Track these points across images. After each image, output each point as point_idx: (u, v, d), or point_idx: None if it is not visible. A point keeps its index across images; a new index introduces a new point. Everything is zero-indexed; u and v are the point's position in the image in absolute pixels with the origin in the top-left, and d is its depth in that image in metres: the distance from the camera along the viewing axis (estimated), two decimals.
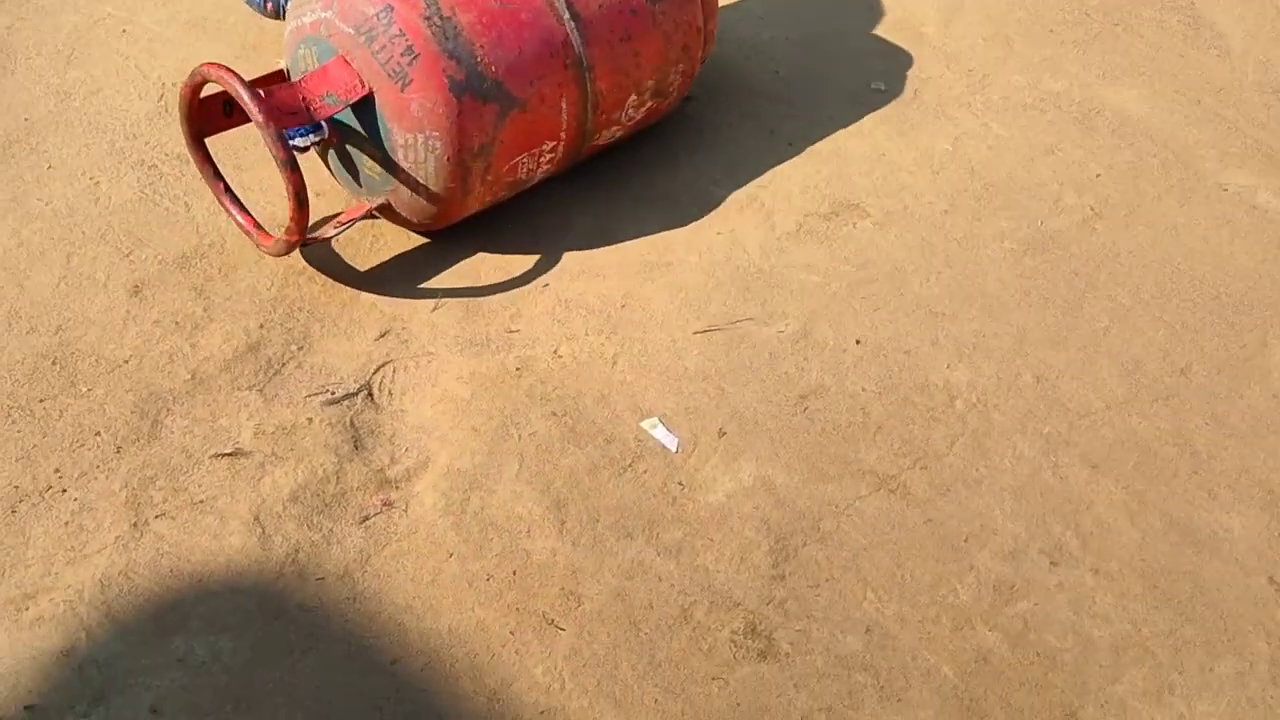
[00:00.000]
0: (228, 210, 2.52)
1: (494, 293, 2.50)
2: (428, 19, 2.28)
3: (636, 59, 2.50)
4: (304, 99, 2.31)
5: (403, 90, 2.28)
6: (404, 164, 2.37)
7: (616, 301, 2.49)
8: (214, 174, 2.51)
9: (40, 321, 2.36)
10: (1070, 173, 2.78)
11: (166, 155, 2.72)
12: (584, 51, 2.42)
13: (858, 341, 2.42)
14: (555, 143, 2.47)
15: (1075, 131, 2.88)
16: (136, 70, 2.91)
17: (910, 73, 3.05)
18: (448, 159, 2.35)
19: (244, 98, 2.21)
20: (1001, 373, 2.36)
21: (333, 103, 2.32)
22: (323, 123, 2.43)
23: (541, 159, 2.49)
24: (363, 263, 2.54)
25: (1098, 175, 2.78)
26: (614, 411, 2.28)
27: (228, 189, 2.52)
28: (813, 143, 2.85)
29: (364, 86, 2.31)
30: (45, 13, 3.04)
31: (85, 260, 2.48)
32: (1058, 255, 2.60)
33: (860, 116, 2.93)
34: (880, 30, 3.17)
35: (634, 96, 2.54)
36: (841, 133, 2.88)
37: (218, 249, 2.53)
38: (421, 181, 2.39)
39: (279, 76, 2.56)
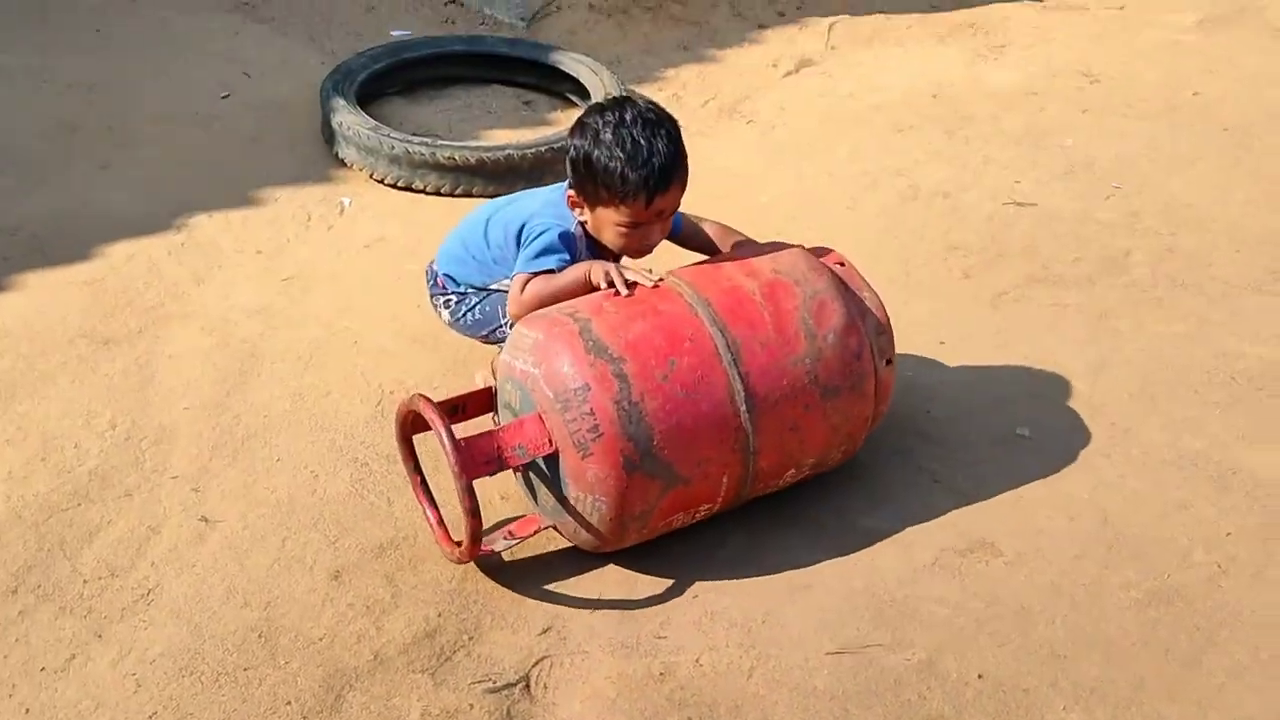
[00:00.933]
0: (420, 502, 2.89)
1: (648, 599, 2.76)
2: (617, 403, 2.60)
3: (801, 444, 2.81)
4: (498, 448, 2.68)
5: (583, 458, 2.62)
6: (572, 510, 2.72)
7: (758, 617, 2.72)
8: (414, 468, 2.91)
9: (253, 597, 2.72)
10: (1201, 529, 2.93)
11: (377, 455, 3.11)
12: (753, 439, 2.72)
13: (980, 676, 2.58)
14: (711, 504, 2.79)
15: (1210, 490, 3.04)
16: (362, 378, 3.35)
17: (1055, 422, 3.26)
18: (610, 518, 2.69)
19: (446, 447, 2.61)
20: None
21: (522, 454, 2.69)
22: None
23: (696, 515, 2.80)
24: (535, 563, 2.85)
25: (1228, 534, 2.92)
26: None
27: (424, 483, 2.90)
28: (957, 482, 3.08)
29: (551, 445, 2.67)
30: (293, 324, 3.53)
31: (297, 545, 2.86)
32: (1181, 609, 2.74)
33: (1004, 459, 3.15)
34: (1030, 378, 3.41)
35: (792, 470, 2.85)
36: (985, 474, 3.10)
37: (410, 542, 2.88)
38: (586, 524, 2.73)
39: (485, 395, 2.96)
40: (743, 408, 2.69)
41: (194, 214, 3.99)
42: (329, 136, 4.33)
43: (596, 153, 2.81)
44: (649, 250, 2.99)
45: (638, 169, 2.79)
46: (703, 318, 2.72)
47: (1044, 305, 3.69)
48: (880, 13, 5.42)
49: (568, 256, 2.93)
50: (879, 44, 5.20)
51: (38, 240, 3.81)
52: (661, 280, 2.81)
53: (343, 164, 4.28)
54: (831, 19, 5.35)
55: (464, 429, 3.02)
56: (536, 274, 2.93)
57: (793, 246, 2.96)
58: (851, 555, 2.88)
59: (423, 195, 4.16)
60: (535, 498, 2.87)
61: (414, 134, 4.33)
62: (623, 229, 2.88)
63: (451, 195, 4.16)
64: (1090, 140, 4.46)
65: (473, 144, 4.25)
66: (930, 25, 5.34)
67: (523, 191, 3.23)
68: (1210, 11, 5.33)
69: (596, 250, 3.02)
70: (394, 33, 5.14)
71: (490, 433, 2.72)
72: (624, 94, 2.96)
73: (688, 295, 2.76)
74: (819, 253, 2.99)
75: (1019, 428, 3.25)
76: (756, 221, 3.99)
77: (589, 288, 2.86)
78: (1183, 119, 4.59)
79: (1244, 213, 4.07)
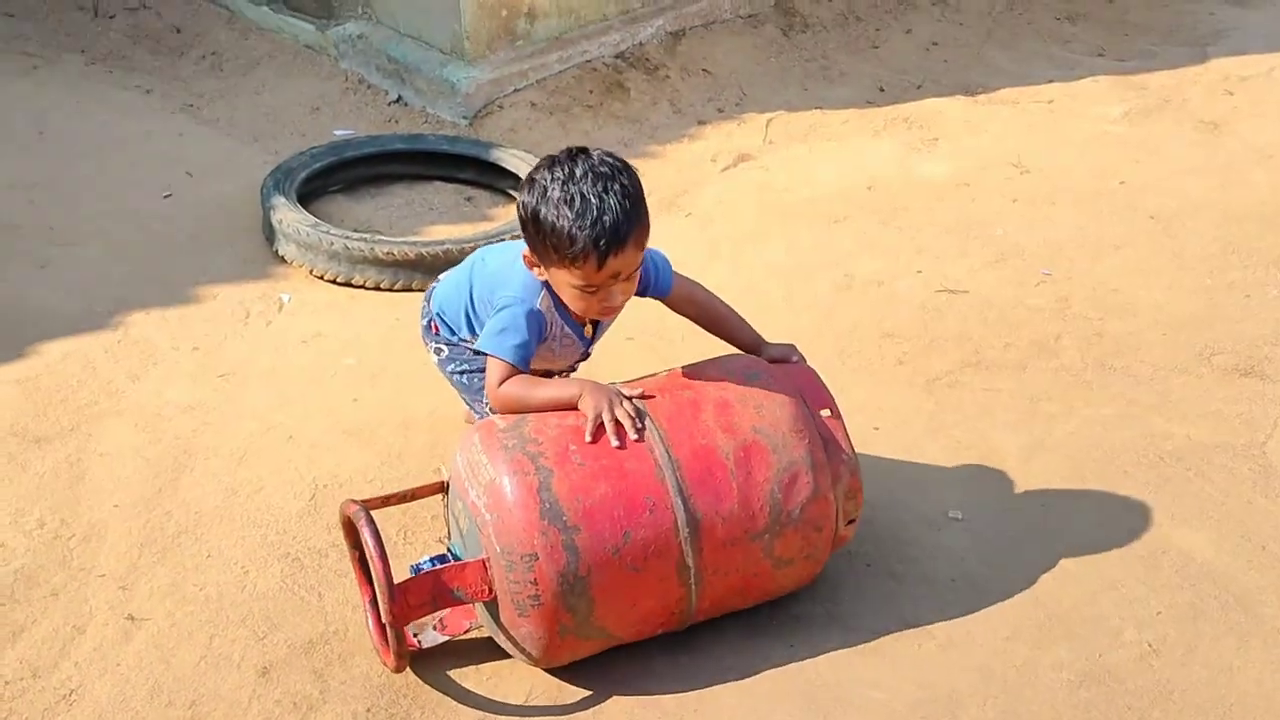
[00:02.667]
0: (361, 590, 2.85)
1: (580, 687, 2.75)
2: (563, 576, 2.55)
3: (744, 601, 2.84)
4: (434, 592, 2.64)
5: (519, 616, 2.61)
6: (502, 641, 2.73)
7: (690, 704, 2.71)
8: (359, 555, 2.84)
9: (178, 695, 2.69)
10: (1132, 609, 2.95)
11: (309, 549, 3.09)
12: (695, 605, 2.72)
13: None
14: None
15: (1140, 569, 3.06)
16: (295, 472, 3.34)
17: (987, 504, 3.29)
18: (536, 661, 2.71)
19: (383, 592, 2.57)
20: None
21: (460, 597, 2.66)
22: None
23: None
24: (465, 654, 2.82)
25: (1158, 613, 2.93)
26: None
27: (366, 568, 2.82)
28: (889, 565, 3.09)
29: (490, 593, 2.64)
30: (227, 420, 3.52)
31: (225, 642, 2.82)
32: (1113, 688, 2.74)
33: (937, 542, 3.16)
34: (963, 462, 3.43)
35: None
36: (917, 556, 3.12)
37: (340, 637, 2.85)
38: (514, 653, 2.74)
39: (437, 487, 2.93)
40: (691, 581, 2.67)
41: (131, 312, 3.99)
42: (269, 234, 4.35)
43: (544, 210, 2.63)
44: (614, 312, 2.83)
45: (587, 228, 2.59)
46: (668, 485, 2.63)
47: (976, 390, 3.73)
48: (817, 108, 5.52)
49: (527, 340, 2.77)
50: (815, 138, 5.30)
51: None
52: (642, 430, 2.66)
53: (283, 261, 4.29)
54: (769, 115, 5.45)
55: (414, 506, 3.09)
56: (513, 366, 2.76)
57: (780, 392, 2.79)
58: (784, 640, 2.87)
59: (362, 290, 4.17)
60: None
61: (354, 230, 4.36)
62: (579, 291, 2.71)
63: (391, 290, 4.17)
64: (1020, 229, 4.55)
65: (411, 239, 4.28)
66: (866, 120, 5.44)
67: (512, 242, 3.02)
68: (1136, 104, 5.47)
69: (567, 312, 2.84)
70: (337, 132, 5.19)
71: (432, 573, 2.66)
72: (582, 147, 2.76)
73: (659, 454, 2.65)
74: (808, 387, 2.87)
75: (951, 510, 3.27)
76: None
77: (573, 408, 2.71)
78: (1109, 207, 4.69)
79: (1169, 297, 4.14)
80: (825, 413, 2.85)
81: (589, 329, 2.97)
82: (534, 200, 2.67)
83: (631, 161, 4.98)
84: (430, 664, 2.79)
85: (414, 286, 4.17)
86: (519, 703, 2.72)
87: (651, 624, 2.73)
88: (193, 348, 3.85)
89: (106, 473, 3.31)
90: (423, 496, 2.94)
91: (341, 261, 4.17)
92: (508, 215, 4.67)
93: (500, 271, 2.90)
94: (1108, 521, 3.23)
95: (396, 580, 2.61)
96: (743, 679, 2.77)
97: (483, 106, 5.29)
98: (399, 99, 5.44)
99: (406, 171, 4.90)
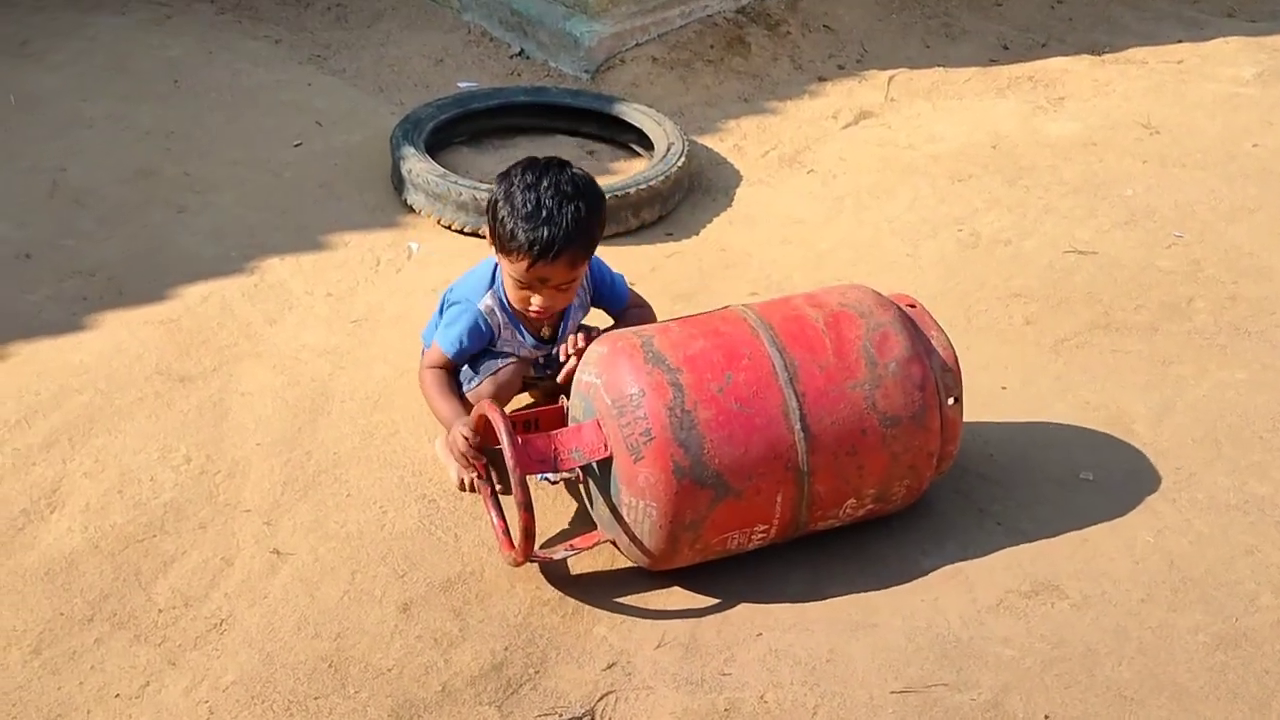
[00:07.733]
0: (488, 511, 2.97)
1: (713, 636, 2.79)
2: (670, 409, 2.69)
3: (860, 471, 2.82)
4: (555, 449, 2.79)
5: (635, 462, 2.70)
6: (626, 519, 2.78)
7: (822, 655, 2.74)
8: (486, 477, 3.00)
9: (323, 628, 2.77)
10: (1268, 574, 2.92)
11: (445, 492, 3.16)
12: (807, 459, 2.75)
13: (1046, 717, 2.58)
14: (767, 526, 2.82)
15: (1276, 535, 3.03)
16: (429, 417, 3.38)
17: (1118, 465, 3.27)
18: (660, 526, 2.74)
19: (504, 442, 2.72)
20: None
21: (577, 457, 2.79)
22: None
23: (753, 536, 2.83)
24: (601, 597, 2.88)
25: None
26: None
27: (494, 493, 2.99)
28: (1020, 524, 3.09)
29: (606, 450, 2.76)
30: (361, 364, 3.60)
31: (367, 578, 2.90)
32: (1250, 652, 2.72)
33: (1067, 503, 3.15)
34: (1092, 423, 3.41)
35: (853, 500, 2.86)
36: (1048, 517, 3.11)
37: (477, 577, 2.92)
38: (638, 537, 2.78)
39: (557, 412, 3.05)
40: (797, 426, 2.73)
41: (266, 257, 4.08)
42: (398, 183, 4.42)
43: (501, 204, 2.96)
44: (542, 313, 3.06)
45: (528, 230, 2.89)
46: (763, 339, 2.81)
47: (1106, 351, 3.69)
48: (939, 66, 5.47)
49: (462, 336, 3.10)
50: (938, 96, 5.25)
51: (116, 281, 3.91)
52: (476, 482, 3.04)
53: (411, 210, 4.36)
54: (891, 72, 5.41)
55: None
56: (445, 354, 3.13)
57: (862, 287, 3.02)
58: (915, 595, 2.89)
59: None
60: (593, 511, 2.97)
61: (481, 181, 4.41)
62: (513, 281, 3.01)
63: None
64: (1150, 190, 4.48)
65: None
66: (989, 78, 5.38)
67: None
68: (1268, 65, 5.34)
69: (516, 315, 3.12)
70: (461, 84, 5.25)
71: (549, 434, 2.82)
72: (565, 161, 3.06)
73: (751, 319, 2.87)
74: (891, 296, 3.04)
75: (1082, 471, 3.25)
76: (818, 267, 4.05)
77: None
78: (1242, 170, 4.60)
79: None
80: (909, 306, 3.01)
81: (545, 331, 3.19)
82: (499, 191, 2.99)
83: (752, 118, 5.04)
84: (566, 610, 2.85)
85: None
86: (653, 648, 2.77)
87: (769, 482, 2.73)
88: (326, 293, 3.93)
89: (248, 412, 3.41)
90: (545, 417, 3.05)
91: (469, 211, 4.23)
92: (630, 169, 4.70)
93: (462, 277, 3.23)
94: (1241, 486, 3.19)
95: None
96: (874, 632, 2.79)
97: (604, 60, 5.31)
98: (521, 52, 5.48)
99: (530, 124, 4.94)
